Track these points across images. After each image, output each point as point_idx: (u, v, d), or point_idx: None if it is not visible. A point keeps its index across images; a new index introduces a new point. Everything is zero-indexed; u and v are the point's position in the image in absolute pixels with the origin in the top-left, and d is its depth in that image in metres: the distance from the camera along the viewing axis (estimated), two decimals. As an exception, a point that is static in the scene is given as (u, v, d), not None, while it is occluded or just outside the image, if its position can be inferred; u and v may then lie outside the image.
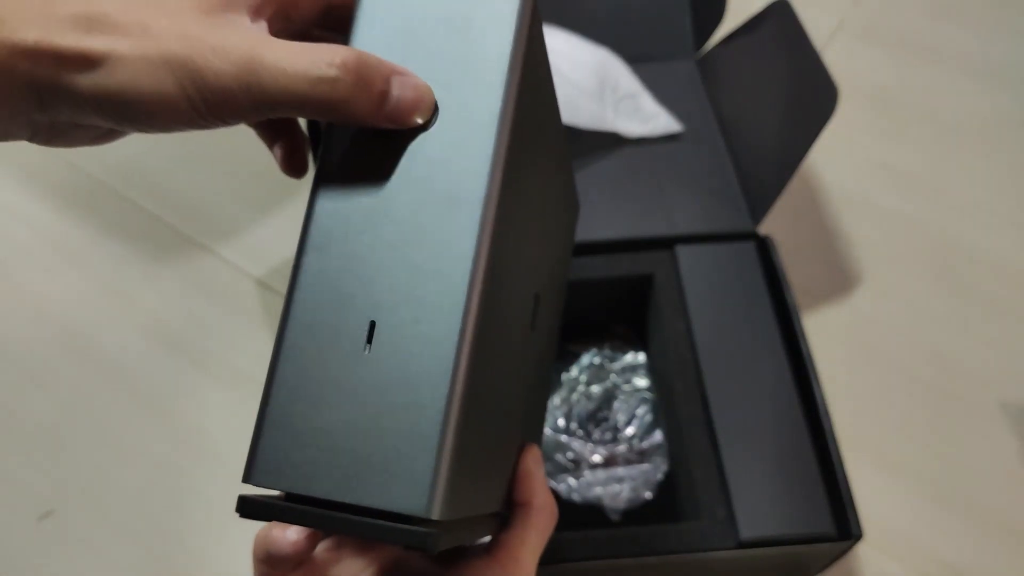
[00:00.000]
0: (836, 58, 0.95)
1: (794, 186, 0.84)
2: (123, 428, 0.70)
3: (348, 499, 0.28)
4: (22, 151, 0.84)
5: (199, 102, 0.27)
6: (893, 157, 0.88)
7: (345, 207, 0.30)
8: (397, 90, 0.29)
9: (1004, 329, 0.76)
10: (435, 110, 0.30)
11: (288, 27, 0.32)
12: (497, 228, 0.30)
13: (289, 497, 0.29)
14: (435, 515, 0.27)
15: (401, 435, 0.28)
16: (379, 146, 0.30)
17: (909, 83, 0.94)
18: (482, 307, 0.29)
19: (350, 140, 0.31)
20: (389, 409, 0.28)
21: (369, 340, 0.29)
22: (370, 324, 0.29)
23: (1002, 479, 0.68)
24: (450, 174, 0.30)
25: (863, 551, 0.64)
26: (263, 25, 0.30)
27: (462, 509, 0.30)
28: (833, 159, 0.87)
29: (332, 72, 0.27)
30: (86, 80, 0.27)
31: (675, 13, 0.78)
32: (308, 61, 0.27)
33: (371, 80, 0.28)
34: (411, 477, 0.27)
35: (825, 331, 0.75)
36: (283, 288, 0.74)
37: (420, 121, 0.30)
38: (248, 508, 0.29)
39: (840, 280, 0.78)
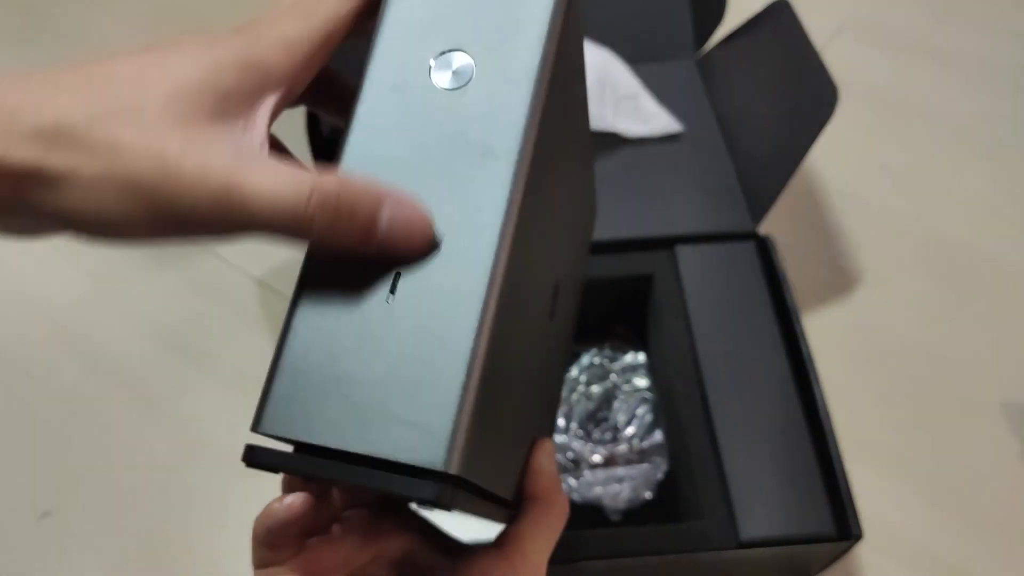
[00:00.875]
0: (836, 59, 0.94)
1: (794, 186, 0.83)
2: (122, 427, 0.70)
3: (362, 450, 0.27)
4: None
5: (168, 227, 0.26)
6: (892, 157, 0.87)
7: (374, 153, 0.30)
8: (386, 223, 0.27)
9: (1004, 329, 0.75)
10: (432, 240, 0.29)
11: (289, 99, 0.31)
12: (529, 184, 0.29)
13: (299, 448, 0.28)
14: (452, 469, 0.26)
15: (421, 387, 0.27)
16: (413, 101, 0.30)
17: (909, 83, 0.94)
18: (510, 264, 0.28)
19: (382, 96, 0.30)
20: (410, 360, 0.27)
21: (392, 290, 0.28)
22: (395, 274, 0.28)
23: (1002, 479, 0.67)
24: (485, 130, 0.29)
25: (863, 551, 0.64)
26: (255, 132, 0.28)
27: (478, 473, 0.29)
28: (833, 159, 0.86)
29: (310, 210, 0.26)
30: (46, 197, 0.25)
31: (675, 13, 0.78)
32: (287, 193, 0.26)
33: (353, 216, 0.27)
34: (429, 429, 0.26)
35: (825, 331, 0.74)
36: (283, 288, 0.74)
37: (411, 253, 0.29)
38: (255, 457, 0.28)
39: (840, 280, 0.78)
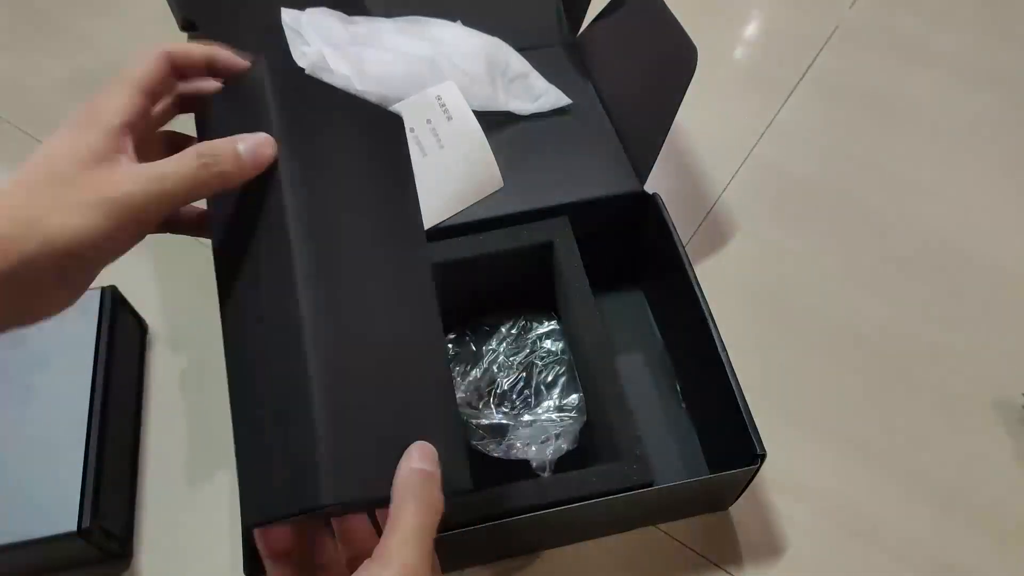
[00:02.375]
0: (832, 61, 0.95)
1: (791, 188, 0.85)
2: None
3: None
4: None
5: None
6: (887, 159, 0.87)
7: None
8: (245, 149, 0.37)
9: (997, 328, 0.75)
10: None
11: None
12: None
13: None
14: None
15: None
16: None
17: (903, 86, 0.94)
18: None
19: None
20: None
21: None
22: None
23: (996, 477, 0.67)
24: None
25: (854, 545, 0.64)
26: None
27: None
28: (827, 161, 0.87)
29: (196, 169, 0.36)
30: None
31: (546, 5, 0.82)
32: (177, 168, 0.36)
33: (220, 156, 0.37)
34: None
35: (819, 328, 0.75)
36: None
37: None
38: None
39: (836, 279, 0.79)
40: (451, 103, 0.65)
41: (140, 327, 0.75)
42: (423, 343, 0.42)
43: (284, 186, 0.37)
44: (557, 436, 0.62)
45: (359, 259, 0.39)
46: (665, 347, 0.72)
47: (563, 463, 0.62)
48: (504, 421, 0.64)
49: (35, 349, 0.66)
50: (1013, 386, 0.70)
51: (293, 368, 0.35)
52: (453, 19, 0.75)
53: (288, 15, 0.69)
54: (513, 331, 0.68)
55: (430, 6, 0.76)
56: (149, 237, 0.37)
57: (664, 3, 0.66)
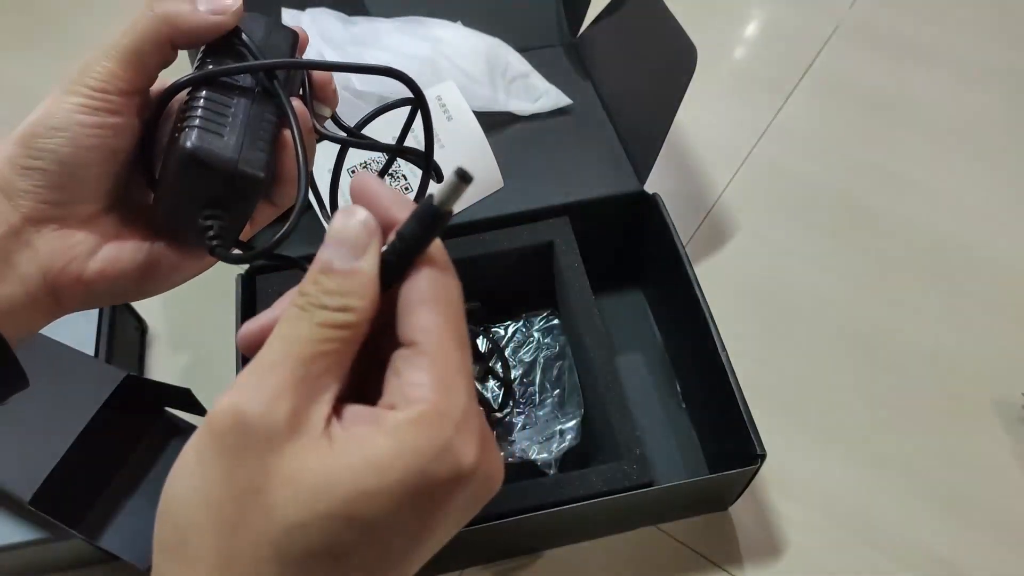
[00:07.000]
0: (832, 60, 0.95)
1: (791, 188, 0.85)
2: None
3: None
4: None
5: None
6: (886, 158, 0.88)
7: None
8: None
9: (997, 328, 0.75)
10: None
11: None
12: None
13: None
14: None
15: None
16: None
17: (903, 85, 0.94)
18: None
19: None
20: None
21: None
22: None
23: (995, 476, 0.67)
24: None
25: (855, 545, 0.64)
26: None
27: None
28: (826, 160, 0.87)
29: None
30: None
31: (546, 5, 0.83)
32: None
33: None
34: None
35: (818, 328, 0.75)
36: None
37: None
38: None
39: (835, 279, 0.78)
40: (451, 103, 0.66)
41: (140, 327, 0.75)
42: None
43: None
44: (561, 433, 0.63)
45: None
46: (665, 347, 0.72)
47: (564, 463, 0.63)
48: (506, 420, 0.64)
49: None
50: (1013, 386, 0.70)
51: None
52: (453, 19, 0.76)
53: (288, 15, 0.70)
54: (513, 331, 0.69)
55: (430, 6, 0.76)
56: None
57: (664, 3, 0.66)
